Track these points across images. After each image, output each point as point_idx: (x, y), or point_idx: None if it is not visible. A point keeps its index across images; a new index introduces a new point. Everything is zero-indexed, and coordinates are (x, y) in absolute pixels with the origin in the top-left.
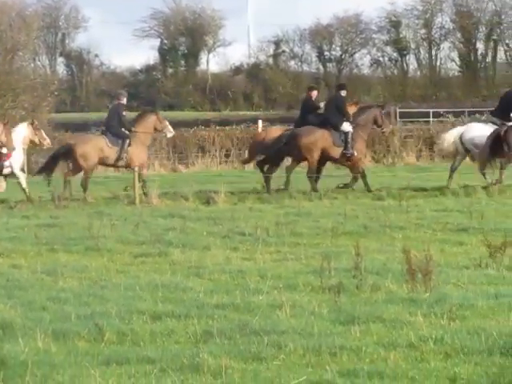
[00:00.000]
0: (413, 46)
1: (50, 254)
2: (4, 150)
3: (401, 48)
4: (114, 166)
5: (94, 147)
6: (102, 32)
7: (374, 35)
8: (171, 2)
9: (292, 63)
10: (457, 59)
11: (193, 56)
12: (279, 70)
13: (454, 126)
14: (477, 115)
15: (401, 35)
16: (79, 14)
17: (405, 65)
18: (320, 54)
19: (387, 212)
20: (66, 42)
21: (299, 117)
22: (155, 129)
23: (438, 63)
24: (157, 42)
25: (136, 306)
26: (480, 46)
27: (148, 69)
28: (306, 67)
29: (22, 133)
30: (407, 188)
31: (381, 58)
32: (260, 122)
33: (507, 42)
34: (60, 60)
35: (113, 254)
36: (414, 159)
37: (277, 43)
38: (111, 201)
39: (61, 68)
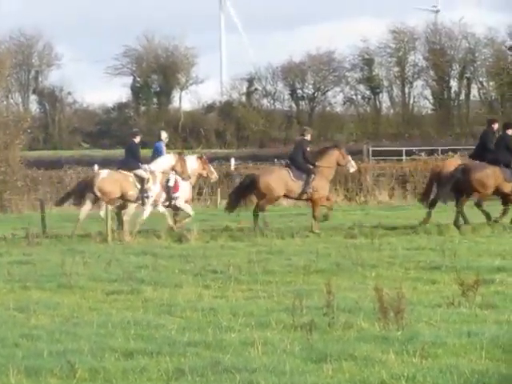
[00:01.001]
0: (386, 83)
1: (22, 291)
2: (171, 183)
3: (374, 86)
4: (297, 199)
5: (278, 179)
6: (74, 69)
7: (346, 73)
8: (144, 39)
9: (265, 101)
10: (430, 97)
11: (165, 94)
12: (252, 108)
13: (426, 163)
14: (450, 153)
15: (374, 73)
16: (52, 52)
17: (378, 103)
18: (292, 92)
19: (359, 250)
20: (39, 79)
21: (479, 149)
22: (338, 163)
23: (411, 101)
24: (129, 80)
25: (108, 344)
26: (453, 83)
27: (120, 106)
28: (278, 105)
29: (191, 165)
30: (379, 226)
31: (354, 96)
32: (233, 159)
33: (481, 79)
34: (33, 97)
35: (85, 292)
36: (386, 197)
37: (250, 81)
38: (84, 238)
39: (33, 105)
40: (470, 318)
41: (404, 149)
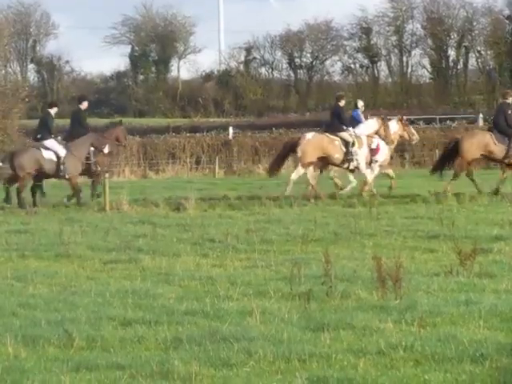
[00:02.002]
0: (384, 52)
1: (20, 260)
2: (374, 146)
3: (372, 55)
4: (499, 161)
5: (477, 142)
6: (72, 38)
7: (344, 42)
8: (142, 8)
9: (263, 70)
10: (428, 66)
11: (163, 63)
12: (250, 77)
13: (424, 132)
14: (448, 122)
15: (372, 42)
16: (50, 21)
17: (376, 72)
18: (291, 61)
19: (357, 219)
20: (37, 48)
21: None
22: None
23: (409, 70)
24: (127, 49)
25: (106, 313)
26: (451, 52)
27: (119, 75)
28: (276, 74)
29: (393, 128)
30: (378, 195)
31: (352, 65)
32: (231, 128)
33: (478, 49)
34: (31, 66)
35: (83, 261)
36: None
37: (248, 50)
38: (82, 207)
39: (32, 74)
40: (468, 287)
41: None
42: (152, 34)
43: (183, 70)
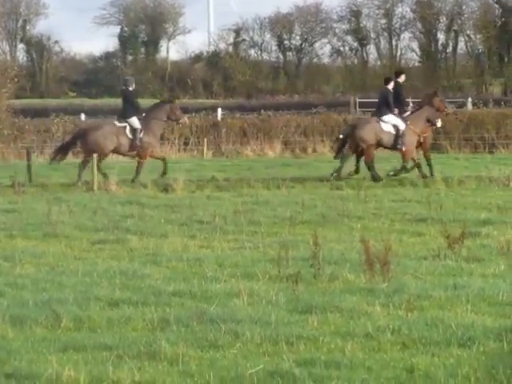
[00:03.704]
0: (373, 35)
1: (7, 240)
2: None
3: (361, 38)
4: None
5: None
6: (62, 19)
7: (334, 24)
8: None
9: (252, 52)
10: (417, 50)
11: (153, 43)
12: (239, 59)
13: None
14: None
15: (361, 25)
16: (40, 1)
17: (365, 54)
18: (280, 43)
19: (345, 202)
20: (27, 28)
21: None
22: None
23: (399, 53)
24: (117, 30)
25: (93, 293)
26: (441, 36)
27: (108, 56)
28: (265, 56)
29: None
30: (366, 178)
31: (341, 48)
32: (219, 110)
33: (468, 32)
34: (20, 46)
35: (71, 241)
36: None
37: (237, 31)
38: (70, 187)
39: (21, 54)
40: (455, 271)
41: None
42: (141, 14)
43: (172, 50)
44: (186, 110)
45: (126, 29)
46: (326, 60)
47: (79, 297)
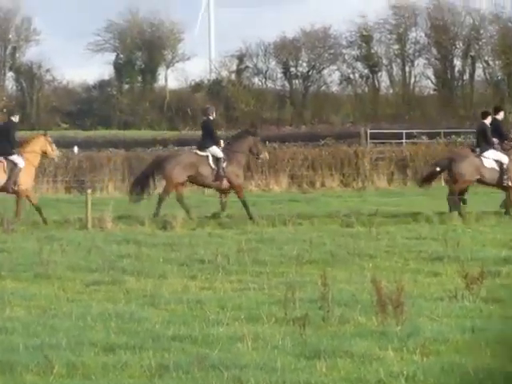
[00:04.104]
0: (385, 62)
1: None
2: None
3: (372, 64)
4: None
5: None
6: (53, 45)
7: (343, 50)
8: (127, 13)
9: (256, 80)
10: (432, 77)
11: (150, 71)
12: (242, 87)
13: (428, 147)
14: (453, 137)
15: (372, 51)
16: (31, 26)
17: (376, 82)
18: (286, 70)
19: (356, 239)
20: (16, 55)
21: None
22: None
23: (412, 81)
24: (112, 57)
25: (87, 337)
26: (457, 62)
27: (102, 84)
28: (270, 84)
29: None
30: (378, 214)
31: (351, 75)
32: (221, 142)
33: (486, 58)
34: (9, 75)
35: (63, 282)
36: (385, 183)
37: (240, 58)
38: (62, 225)
39: (10, 83)
40: (474, 313)
41: (404, 131)
42: (138, 40)
43: (171, 79)
44: (186, 142)
45: (121, 56)
46: (334, 88)
47: (72, 341)
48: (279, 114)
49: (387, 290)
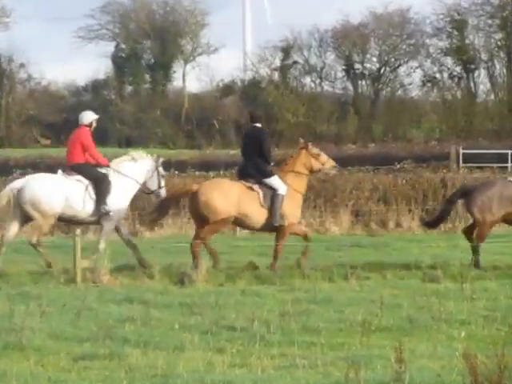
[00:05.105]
0: (484, 57)
1: None
2: None
3: (466, 60)
4: None
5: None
6: (29, 31)
7: (427, 41)
8: None
9: (307, 80)
10: None
11: (162, 68)
12: (288, 90)
13: None
14: None
15: (467, 41)
16: None
17: (472, 85)
18: (348, 68)
19: (443, 299)
20: None
21: None
22: None
23: None
24: (110, 47)
25: None
26: None
27: (96, 86)
28: (327, 86)
29: None
30: (472, 264)
31: (437, 75)
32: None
33: None
34: None
35: (43, 355)
36: None
37: (286, 51)
38: (41, 277)
39: None
40: None
41: (510, 152)
42: (146, 25)
43: (191, 78)
44: (211, 165)
45: (123, 46)
46: (415, 93)
47: None
48: (339, 127)
49: (485, 368)
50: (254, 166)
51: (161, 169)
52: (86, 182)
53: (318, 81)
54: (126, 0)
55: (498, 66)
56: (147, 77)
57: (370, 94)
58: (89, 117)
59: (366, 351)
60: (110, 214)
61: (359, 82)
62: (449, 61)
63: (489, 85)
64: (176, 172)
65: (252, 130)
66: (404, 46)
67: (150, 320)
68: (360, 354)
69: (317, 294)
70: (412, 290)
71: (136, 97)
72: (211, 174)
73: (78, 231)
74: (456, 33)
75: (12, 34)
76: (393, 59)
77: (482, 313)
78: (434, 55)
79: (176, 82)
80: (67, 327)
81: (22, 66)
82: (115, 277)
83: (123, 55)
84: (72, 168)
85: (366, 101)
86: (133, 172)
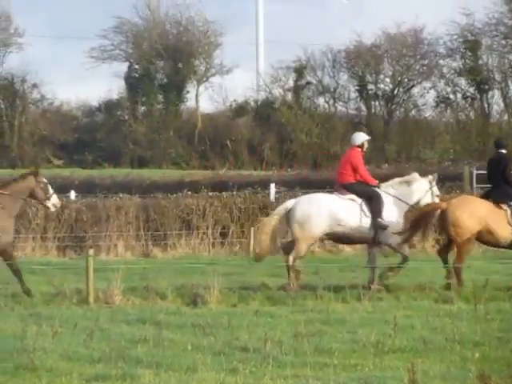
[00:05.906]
0: (498, 77)
1: None
2: None
3: (480, 80)
4: None
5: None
6: (42, 52)
7: (441, 61)
8: (145, 9)
9: (321, 101)
10: None
11: (175, 88)
12: (301, 111)
13: None
14: None
15: (480, 61)
16: (11, 26)
17: (486, 105)
18: (362, 88)
19: (457, 320)
20: None
21: None
22: None
23: None
24: (123, 67)
25: None
26: None
27: (109, 106)
28: (340, 107)
29: None
30: (486, 285)
31: (451, 95)
32: (273, 186)
33: None
34: None
35: (55, 376)
36: None
37: (299, 71)
38: (54, 298)
39: None
40: None
41: None
42: (159, 45)
43: (204, 98)
44: (224, 186)
45: (136, 67)
46: (428, 113)
47: None
48: None
49: None
50: (500, 189)
51: (435, 188)
52: (360, 200)
53: (331, 101)
54: (139, 20)
55: (511, 87)
56: (160, 97)
57: (384, 115)
58: (360, 138)
59: (379, 372)
60: (387, 228)
61: (372, 103)
62: (462, 81)
63: (502, 105)
64: (188, 192)
65: (498, 155)
66: (417, 67)
67: (162, 341)
68: (373, 375)
69: (330, 314)
70: (425, 311)
71: (149, 117)
72: (224, 194)
73: (91, 251)
74: (469, 53)
75: (25, 54)
76: (406, 80)
77: (496, 334)
78: (447, 76)
79: (189, 102)
80: (79, 348)
81: (34, 86)
82: (127, 298)
83: (136, 75)
84: (345, 187)
85: (380, 121)
86: (402, 193)
